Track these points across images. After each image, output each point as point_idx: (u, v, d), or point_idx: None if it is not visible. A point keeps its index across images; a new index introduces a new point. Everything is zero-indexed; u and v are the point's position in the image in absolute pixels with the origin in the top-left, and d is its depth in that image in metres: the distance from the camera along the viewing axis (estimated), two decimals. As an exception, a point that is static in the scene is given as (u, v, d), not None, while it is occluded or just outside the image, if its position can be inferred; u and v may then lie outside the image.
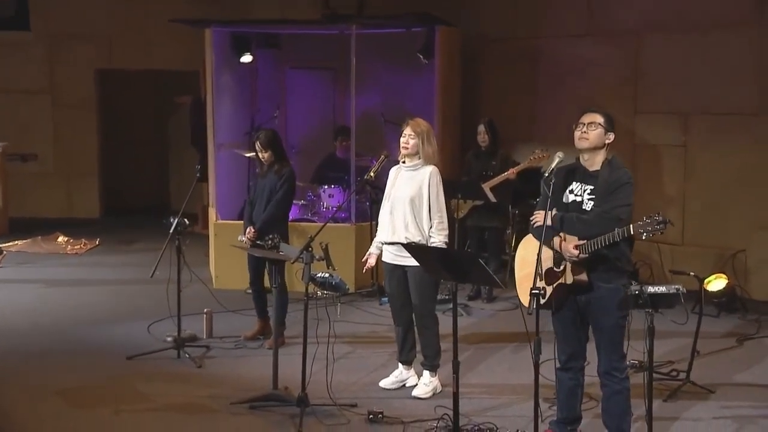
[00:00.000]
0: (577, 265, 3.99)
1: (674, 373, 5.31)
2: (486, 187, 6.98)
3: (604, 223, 3.92)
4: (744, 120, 7.62)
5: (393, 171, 5.22)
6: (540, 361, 3.95)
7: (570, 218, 4.02)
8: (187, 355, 5.76)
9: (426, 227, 5.02)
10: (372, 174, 5.21)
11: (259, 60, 8.79)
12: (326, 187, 8.01)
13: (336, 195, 7.92)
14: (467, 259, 4.25)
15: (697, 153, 7.92)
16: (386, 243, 5.12)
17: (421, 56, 8.09)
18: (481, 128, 7.35)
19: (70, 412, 4.90)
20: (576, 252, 3.95)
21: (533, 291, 3.85)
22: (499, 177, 7.10)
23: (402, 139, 5.09)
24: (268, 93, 9.09)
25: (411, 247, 4.63)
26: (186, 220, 5.86)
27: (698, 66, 7.82)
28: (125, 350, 5.87)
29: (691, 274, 5.37)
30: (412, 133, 5.06)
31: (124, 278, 8.14)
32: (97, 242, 9.76)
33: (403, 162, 5.14)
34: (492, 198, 6.94)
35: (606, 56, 8.37)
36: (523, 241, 4.39)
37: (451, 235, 7.33)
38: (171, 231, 5.78)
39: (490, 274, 4.10)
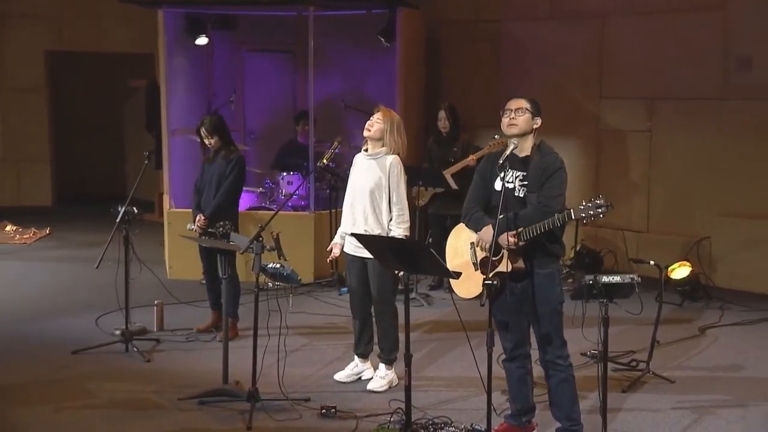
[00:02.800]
0: (515, 253, 3.94)
1: (634, 364, 5.23)
2: (447, 174, 6.83)
3: (542, 217, 3.88)
4: (709, 105, 7.56)
5: (356, 159, 5.03)
6: (492, 353, 3.86)
7: (509, 219, 3.94)
8: (135, 349, 5.57)
9: (386, 219, 4.85)
10: (324, 161, 5.02)
11: (215, 42, 8.54)
12: (285, 174, 7.81)
13: (295, 182, 7.72)
14: (419, 249, 4.10)
15: (662, 138, 7.86)
16: (348, 234, 4.95)
17: (382, 39, 7.90)
18: (442, 114, 7.20)
19: (7, 410, 4.68)
20: (514, 240, 3.89)
21: (486, 281, 3.76)
22: (459, 163, 6.96)
23: (368, 122, 4.89)
24: (225, 76, 8.84)
25: (362, 237, 4.45)
26: (134, 208, 5.64)
27: (663, 50, 7.74)
28: (71, 344, 5.66)
29: (651, 262, 5.28)
30: (381, 119, 4.85)
31: (74, 269, 7.89)
32: (47, 231, 9.46)
33: (366, 150, 4.94)
34: (453, 185, 6.79)
35: (570, 40, 8.26)
36: (454, 230, 4.32)
37: (412, 224, 7.24)
38: (117, 220, 5.56)
39: (442, 265, 3.97)
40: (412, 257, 4.06)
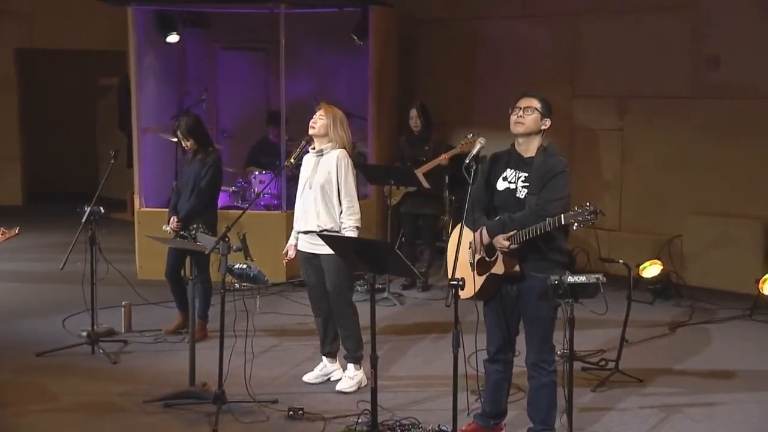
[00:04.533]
0: (509, 256, 3.89)
1: (603, 363, 5.23)
2: (419, 173, 6.81)
3: (536, 221, 3.81)
4: (680, 103, 7.60)
5: (305, 158, 5.04)
6: (465, 353, 3.87)
7: (502, 222, 3.89)
8: (101, 351, 5.49)
9: (337, 213, 4.84)
10: (292, 160, 4.99)
11: (187, 40, 8.46)
12: (257, 173, 7.75)
13: (267, 181, 7.65)
14: (384, 249, 4.06)
15: (633, 137, 7.88)
16: (301, 232, 4.93)
17: (355, 37, 7.86)
18: (413, 112, 7.17)
19: (-31, 414, 4.61)
20: (507, 243, 3.85)
21: (452, 282, 3.72)
22: (431, 162, 6.95)
23: (311, 120, 4.89)
24: (198, 75, 8.76)
25: (327, 237, 4.42)
26: (101, 208, 5.57)
27: (634, 49, 7.77)
28: (36, 346, 5.58)
29: (620, 261, 5.28)
30: (323, 115, 4.86)
31: (43, 269, 7.78)
32: (16, 231, 9.26)
33: (313, 148, 4.94)
34: (425, 184, 6.77)
35: (543, 38, 8.27)
36: (455, 230, 4.24)
37: (384, 223, 7.23)
38: (83, 220, 5.49)
39: (408, 265, 3.95)
40: (378, 258, 4.02)
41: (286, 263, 5.15)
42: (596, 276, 3.72)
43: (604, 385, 4.99)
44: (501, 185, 3.97)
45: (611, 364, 5.17)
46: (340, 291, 4.91)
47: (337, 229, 4.80)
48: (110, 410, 4.67)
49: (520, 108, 3.95)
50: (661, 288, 7.00)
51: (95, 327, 5.62)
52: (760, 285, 6.48)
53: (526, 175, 3.92)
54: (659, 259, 7.16)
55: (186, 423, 4.50)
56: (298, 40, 7.96)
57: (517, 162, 3.96)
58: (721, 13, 7.33)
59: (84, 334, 5.68)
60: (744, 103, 7.25)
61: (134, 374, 5.21)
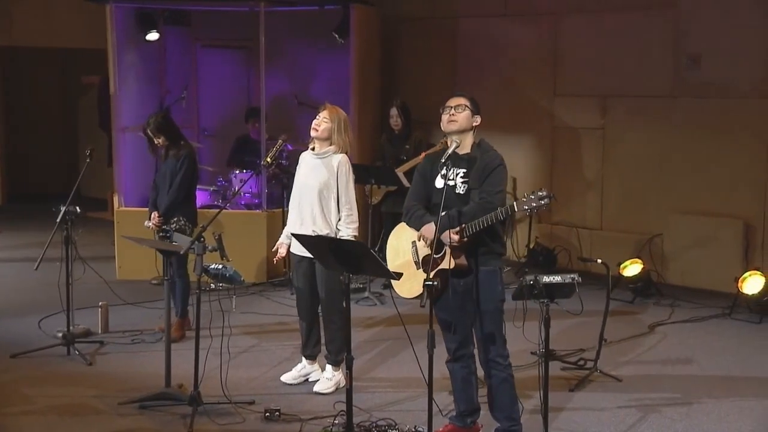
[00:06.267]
0: (457, 250, 3.91)
1: (582, 362, 5.22)
2: (400, 171, 6.79)
3: (484, 213, 3.86)
4: (661, 102, 7.61)
5: (302, 157, 4.95)
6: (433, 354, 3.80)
7: (452, 216, 3.91)
8: (77, 352, 5.44)
9: (334, 219, 4.78)
10: (268, 160, 4.93)
11: (168, 38, 8.40)
12: (237, 172, 7.70)
13: (248, 180, 7.60)
14: (359, 249, 4.03)
15: (614, 136, 7.88)
16: (294, 234, 4.87)
17: (336, 36, 7.83)
18: (393, 111, 7.16)
19: (-60, 418, 4.54)
20: (456, 237, 3.86)
21: (427, 282, 3.70)
22: (411, 161, 6.93)
23: (315, 121, 4.82)
24: (178, 73, 8.68)
25: (303, 238, 4.37)
26: (77, 207, 5.52)
27: (616, 48, 7.77)
28: (11, 347, 5.52)
29: (599, 261, 5.28)
30: (327, 118, 4.79)
31: (22, 269, 7.70)
32: (-4, 231, 9.24)
33: (313, 149, 4.87)
34: (406, 183, 6.74)
35: (525, 37, 8.25)
36: (394, 230, 4.29)
37: (365, 222, 7.20)
38: (58, 220, 5.44)
39: (383, 266, 3.92)
40: (353, 258, 3.99)
41: (276, 261, 5.08)
42: (572, 276, 3.72)
43: (583, 385, 4.98)
44: (440, 183, 4.00)
45: (590, 364, 5.16)
46: (333, 296, 4.85)
47: (332, 235, 4.74)
48: (85, 412, 4.62)
49: (451, 107, 4.04)
50: (641, 287, 7.01)
51: (71, 328, 5.57)
52: (740, 284, 6.50)
53: (465, 171, 3.98)
54: (640, 258, 7.17)
55: (161, 425, 4.46)
56: (279, 38, 7.92)
57: (454, 159, 4.00)
58: (702, 13, 7.34)
59: (59, 335, 5.62)
60: (725, 102, 7.27)
61: (110, 375, 5.15)
